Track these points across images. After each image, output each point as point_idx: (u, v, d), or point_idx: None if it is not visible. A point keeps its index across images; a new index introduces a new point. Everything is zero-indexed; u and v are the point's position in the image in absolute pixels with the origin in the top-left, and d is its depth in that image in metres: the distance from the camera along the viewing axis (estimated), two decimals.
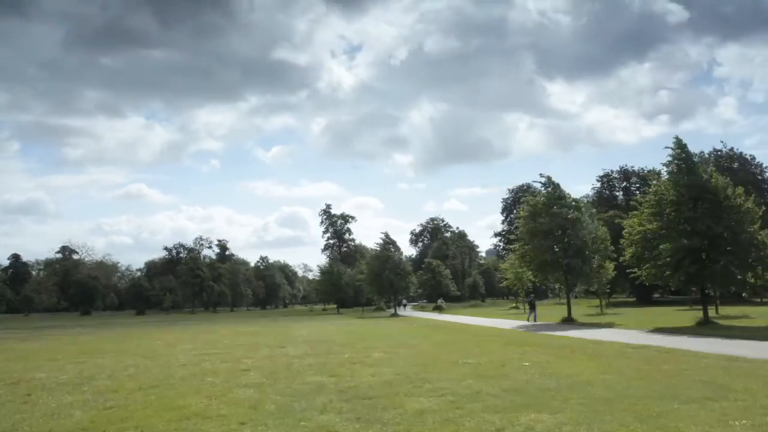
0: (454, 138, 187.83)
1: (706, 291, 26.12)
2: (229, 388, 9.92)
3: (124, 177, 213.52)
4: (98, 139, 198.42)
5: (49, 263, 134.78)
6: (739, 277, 22.14)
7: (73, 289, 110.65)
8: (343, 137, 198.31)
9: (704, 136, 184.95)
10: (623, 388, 8.94)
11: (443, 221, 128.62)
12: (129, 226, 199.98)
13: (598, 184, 75.73)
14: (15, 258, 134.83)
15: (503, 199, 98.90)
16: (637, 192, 73.72)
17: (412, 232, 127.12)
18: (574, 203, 29.92)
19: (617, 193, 75.45)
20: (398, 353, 15.43)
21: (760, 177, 59.49)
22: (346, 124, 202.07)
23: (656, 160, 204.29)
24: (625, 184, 75.79)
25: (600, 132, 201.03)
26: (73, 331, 36.04)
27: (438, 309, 61.58)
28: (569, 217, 28.12)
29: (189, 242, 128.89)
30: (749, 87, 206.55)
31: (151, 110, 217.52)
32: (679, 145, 23.27)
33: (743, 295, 42.26)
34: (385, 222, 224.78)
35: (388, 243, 54.02)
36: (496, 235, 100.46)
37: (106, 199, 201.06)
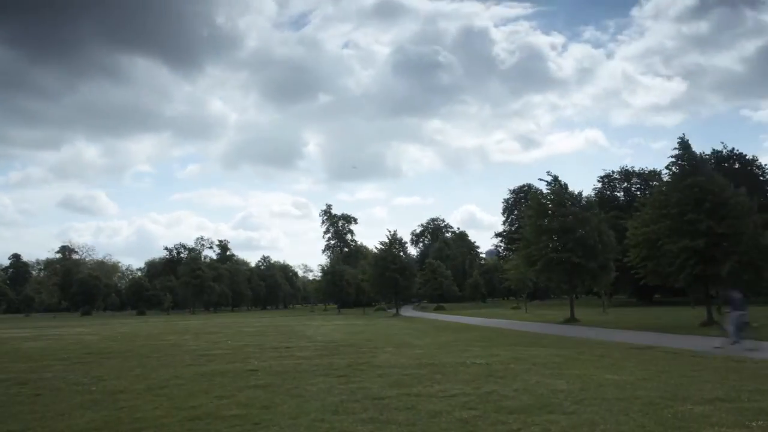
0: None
1: (710, 292, 26.10)
2: (239, 389, 9.89)
3: None
4: None
5: (49, 263, 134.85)
6: (744, 277, 22.13)
7: (73, 289, 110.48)
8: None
9: None
10: (634, 388, 8.92)
11: (443, 222, 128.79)
12: None
13: (599, 185, 75.74)
14: (15, 258, 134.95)
15: (504, 199, 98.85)
16: (638, 192, 73.80)
17: (412, 233, 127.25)
18: (584, 202, 29.89)
19: (618, 194, 75.42)
20: (405, 353, 15.41)
21: (762, 178, 59.43)
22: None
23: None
24: (626, 184, 75.79)
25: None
26: (75, 331, 35.99)
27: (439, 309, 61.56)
28: (580, 217, 28.08)
29: (190, 242, 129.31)
30: None
31: None
32: (684, 146, 23.27)
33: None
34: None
35: (394, 242, 53.93)
36: (496, 235, 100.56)
37: None
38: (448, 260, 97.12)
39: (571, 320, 30.37)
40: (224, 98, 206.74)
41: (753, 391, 8.36)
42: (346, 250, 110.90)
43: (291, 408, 8.08)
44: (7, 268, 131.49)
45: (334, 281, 74.33)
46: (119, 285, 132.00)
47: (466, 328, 28.57)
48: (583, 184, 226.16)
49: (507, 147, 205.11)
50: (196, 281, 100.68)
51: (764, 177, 60.01)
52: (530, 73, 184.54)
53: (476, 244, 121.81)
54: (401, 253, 55.01)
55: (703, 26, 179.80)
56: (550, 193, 30.79)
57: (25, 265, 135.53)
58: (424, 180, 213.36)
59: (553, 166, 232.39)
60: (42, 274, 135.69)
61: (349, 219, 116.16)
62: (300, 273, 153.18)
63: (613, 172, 75.99)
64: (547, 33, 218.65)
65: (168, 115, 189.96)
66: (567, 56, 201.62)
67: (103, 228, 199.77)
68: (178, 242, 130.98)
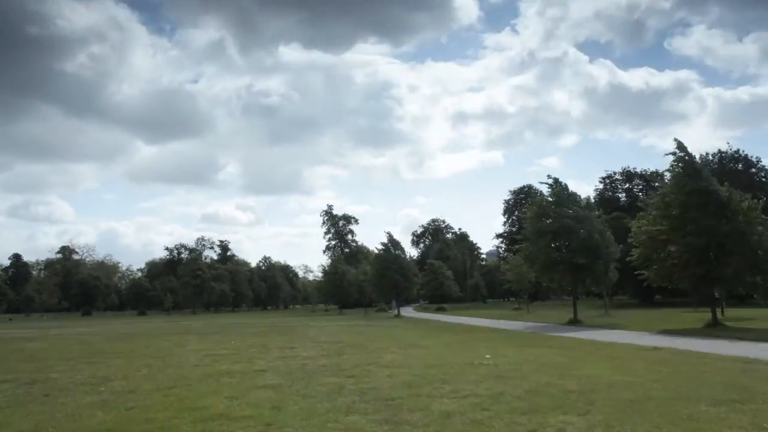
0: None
1: (714, 293, 26.09)
2: (248, 389, 9.86)
3: None
4: None
5: (49, 263, 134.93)
6: (748, 279, 22.10)
7: (74, 290, 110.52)
8: None
9: None
10: (645, 390, 8.90)
11: (444, 222, 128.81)
12: None
13: (601, 186, 75.80)
14: (16, 258, 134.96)
15: (505, 200, 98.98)
16: (640, 193, 73.80)
17: (413, 233, 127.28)
18: (585, 203, 29.90)
19: (620, 195, 75.48)
20: (411, 354, 15.39)
21: (765, 179, 59.43)
22: None
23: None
24: (627, 185, 75.84)
25: None
26: (77, 331, 35.97)
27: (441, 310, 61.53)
28: (581, 217, 28.08)
29: (191, 243, 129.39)
30: None
31: None
32: (681, 148, 23.24)
33: (753, 296, 42.20)
34: None
35: (393, 243, 53.90)
36: (497, 236, 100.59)
37: None
38: (448, 261, 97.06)
39: (574, 321, 30.31)
40: None
41: (766, 393, 8.33)
42: (347, 250, 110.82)
43: (302, 408, 8.05)
44: (7, 268, 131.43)
45: (336, 282, 74.29)
46: (119, 285, 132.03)
47: (469, 329, 28.53)
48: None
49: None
50: (197, 281, 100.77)
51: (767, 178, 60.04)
52: None
53: (477, 245, 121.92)
54: (402, 255, 54.95)
55: None
56: (551, 194, 30.80)
57: (25, 265, 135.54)
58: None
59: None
60: (42, 274, 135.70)
61: (349, 219, 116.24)
62: (300, 273, 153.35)
63: (615, 173, 76.10)
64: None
65: None
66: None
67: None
68: (178, 242, 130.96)
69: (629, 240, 25.83)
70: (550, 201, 29.96)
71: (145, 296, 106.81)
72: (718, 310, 27.78)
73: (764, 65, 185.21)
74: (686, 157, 23.29)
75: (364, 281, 62.37)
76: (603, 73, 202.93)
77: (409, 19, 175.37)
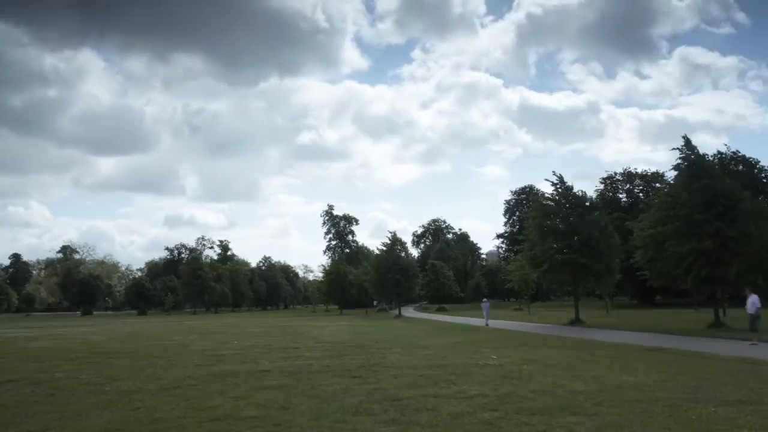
0: None
1: (716, 294, 26.08)
2: (254, 389, 9.85)
3: None
4: None
5: (50, 263, 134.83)
6: (751, 280, 22.07)
7: (74, 289, 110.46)
8: None
9: None
10: (653, 390, 8.88)
11: (445, 222, 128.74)
12: None
13: (601, 186, 75.69)
14: (16, 257, 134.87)
15: (506, 201, 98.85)
16: (641, 194, 73.73)
17: (414, 234, 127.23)
18: (588, 204, 29.86)
19: (620, 195, 75.38)
20: (415, 354, 15.38)
21: (766, 180, 59.37)
22: None
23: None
24: (628, 186, 75.74)
25: None
26: (80, 331, 35.96)
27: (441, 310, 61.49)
28: (587, 218, 28.04)
29: (191, 242, 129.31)
30: None
31: None
32: (689, 147, 23.19)
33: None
34: None
35: (396, 243, 53.85)
36: (498, 236, 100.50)
37: None
38: (449, 261, 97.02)
39: (576, 322, 30.32)
40: None
41: None
42: (347, 250, 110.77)
43: (310, 409, 8.03)
44: (7, 267, 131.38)
45: (337, 282, 74.23)
46: (119, 285, 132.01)
47: (471, 330, 28.52)
48: None
49: None
50: (198, 281, 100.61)
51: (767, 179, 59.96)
52: None
53: (478, 245, 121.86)
54: (403, 254, 54.89)
55: None
56: (555, 194, 30.70)
57: (26, 264, 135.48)
58: None
59: None
60: (42, 273, 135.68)
61: (350, 220, 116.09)
62: (300, 273, 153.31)
63: (615, 173, 75.95)
64: None
65: None
66: None
67: None
68: (178, 242, 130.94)
69: (631, 242, 25.80)
70: (555, 201, 29.87)
71: (145, 296, 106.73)
72: (720, 311, 27.74)
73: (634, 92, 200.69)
74: (692, 156, 23.24)
75: (366, 281, 62.29)
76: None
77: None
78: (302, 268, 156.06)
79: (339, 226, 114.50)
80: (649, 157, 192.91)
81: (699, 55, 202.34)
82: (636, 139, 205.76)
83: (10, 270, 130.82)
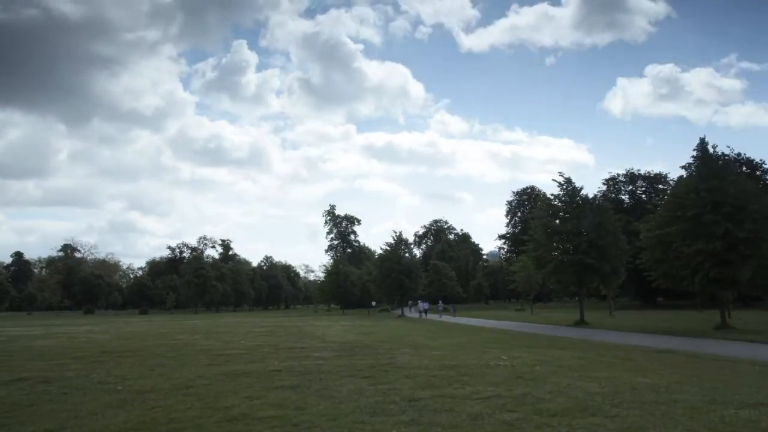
0: None
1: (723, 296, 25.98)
2: (267, 389, 9.80)
3: None
4: None
5: (51, 261, 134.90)
6: (759, 282, 22.02)
7: (76, 288, 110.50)
8: None
9: None
10: (670, 392, 8.83)
11: (446, 223, 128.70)
12: None
13: (604, 187, 75.66)
14: (18, 256, 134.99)
15: (508, 201, 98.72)
16: (644, 195, 73.70)
17: (415, 234, 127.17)
18: (596, 204, 29.82)
19: (623, 197, 75.32)
20: (424, 355, 15.33)
21: None
22: None
23: None
24: (631, 187, 75.70)
25: None
26: (83, 329, 35.94)
27: (445, 311, 61.41)
28: (597, 220, 27.99)
29: (192, 242, 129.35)
30: None
31: None
32: (703, 148, 23.13)
33: (761, 298, 42.14)
34: None
35: (399, 243, 53.79)
36: (500, 237, 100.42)
37: None
38: (450, 262, 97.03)
39: (581, 323, 30.27)
40: None
41: None
42: (349, 250, 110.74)
43: (326, 409, 7.99)
44: (9, 265, 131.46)
45: (339, 282, 74.18)
46: (121, 284, 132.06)
47: (476, 330, 28.47)
48: None
49: None
50: (199, 281, 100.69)
51: None
52: None
53: (480, 246, 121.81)
54: (407, 254, 54.83)
55: None
56: (563, 195, 30.63)
57: (27, 263, 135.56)
58: None
59: None
60: (44, 272, 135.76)
61: (352, 220, 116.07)
62: (301, 273, 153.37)
63: (618, 174, 75.91)
64: None
65: None
66: None
67: None
68: (180, 242, 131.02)
69: (638, 243, 25.75)
70: (562, 201, 29.81)
71: (147, 295, 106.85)
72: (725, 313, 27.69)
73: None
74: (704, 157, 23.18)
75: (368, 281, 62.21)
76: None
77: None
78: (303, 267, 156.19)
79: (341, 227, 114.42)
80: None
81: None
82: None
83: (12, 268, 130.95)
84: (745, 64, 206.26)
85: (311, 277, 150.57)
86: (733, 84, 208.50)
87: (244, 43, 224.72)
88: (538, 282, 49.50)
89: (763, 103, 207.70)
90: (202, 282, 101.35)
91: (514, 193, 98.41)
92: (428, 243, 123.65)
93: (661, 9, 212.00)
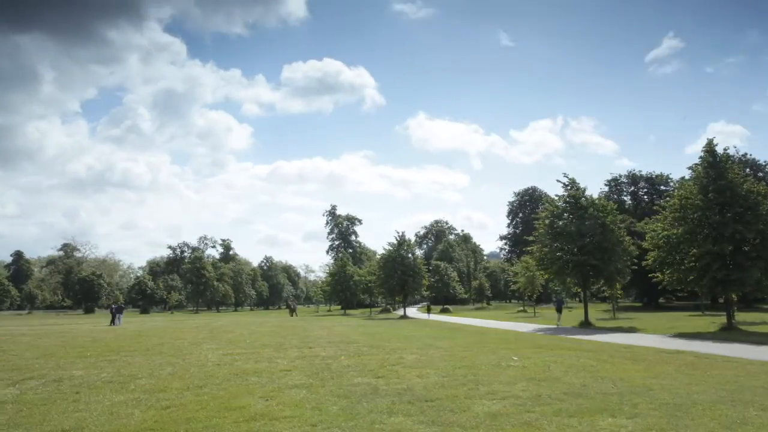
0: None
1: (727, 297, 25.94)
2: (279, 389, 9.77)
3: None
4: None
5: (51, 261, 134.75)
6: (766, 282, 21.98)
7: (76, 287, 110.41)
8: None
9: None
10: (685, 393, 8.80)
11: (447, 224, 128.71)
12: None
13: (606, 188, 75.62)
14: (17, 255, 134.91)
15: (509, 202, 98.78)
16: (646, 197, 73.70)
17: (416, 234, 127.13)
18: (601, 206, 29.78)
19: (625, 198, 75.29)
20: (431, 355, 15.28)
21: None
22: None
23: None
24: (633, 188, 75.66)
25: None
26: (85, 329, 35.87)
27: (445, 311, 61.38)
28: (601, 221, 27.95)
29: (193, 241, 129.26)
30: None
31: None
32: (710, 149, 23.09)
33: (766, 299, 42.10)
34: None
35: (402, 243, 53.68)
36: (501, 238, 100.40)
37: None
38: (452, 262, 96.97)
39: (586, 324, 30.22)
40: None
41: None
42: (350, 251, 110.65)
43: (342, 409, 7.96)
44: (9, 265, 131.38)
45: (341, 282, 74.07)
46: (121, 283, 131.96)
47: (480, 331, 28.39)
48: None
49: None
50: (200, 280, 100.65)
51: None
52: None
53: (481, 246, 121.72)
54: (410, 255, 54.73)
55: None
56: (567, 195, 30.58)
57: (27, 262, 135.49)
58: None
59: None
60: (44, 271, 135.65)
61: (353, 220, 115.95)
62: (302, 273, 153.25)
63: (620, 176, 75.90)
64: None
65: None
66: None
67: None
68: (181, 241, 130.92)
69: (644, 244, 25.70)
70: (566, 202, 29.76)
71: (147, 294, 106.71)
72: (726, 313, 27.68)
73: None
74: (711, 158, 23.13)
75: (370, 282, 62.09)
76: None
77: None
78: (303, 268, 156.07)
79: (342, 227, 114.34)
80: None
81: None
82: None
83: (12, 267, 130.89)
84: None
85: (311, 277, 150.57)
86: None
87: None
88: (541, 283, 49.46)
89: None
90: (203, 282, 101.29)
91: (515, 194, 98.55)
92: (429, 243, 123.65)
93: None
